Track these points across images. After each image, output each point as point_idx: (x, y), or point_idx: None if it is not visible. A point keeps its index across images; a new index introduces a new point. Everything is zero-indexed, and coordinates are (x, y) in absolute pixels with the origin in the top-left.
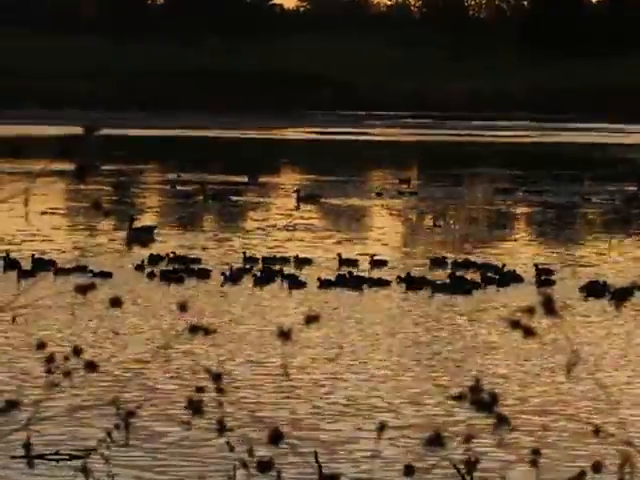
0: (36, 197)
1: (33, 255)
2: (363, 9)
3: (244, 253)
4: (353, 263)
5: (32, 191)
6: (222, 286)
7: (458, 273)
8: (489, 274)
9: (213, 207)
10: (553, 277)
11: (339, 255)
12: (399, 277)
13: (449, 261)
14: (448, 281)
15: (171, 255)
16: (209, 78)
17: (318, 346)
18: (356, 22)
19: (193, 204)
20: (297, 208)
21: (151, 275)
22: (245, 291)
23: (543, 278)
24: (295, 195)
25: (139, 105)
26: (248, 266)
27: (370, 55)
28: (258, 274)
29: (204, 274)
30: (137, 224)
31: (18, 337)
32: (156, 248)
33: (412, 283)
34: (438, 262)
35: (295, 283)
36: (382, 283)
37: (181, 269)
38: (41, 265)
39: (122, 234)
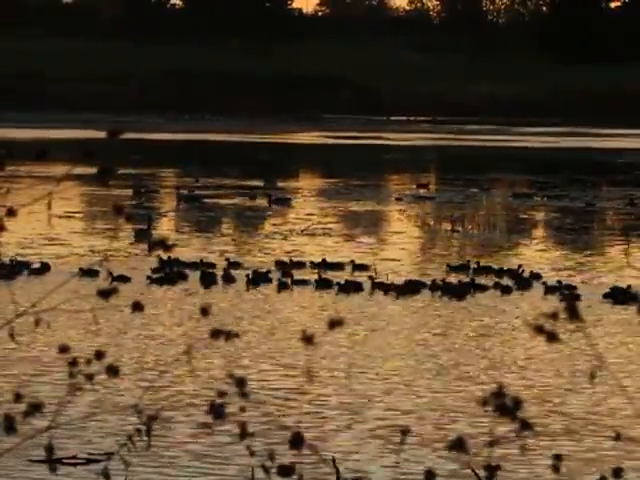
0: (59, 201)
1: (11, 259)
2: (381, 13)
3: (227, 259)
4: (339, 267)
5: (55, 195)
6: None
7: (476, 278)
8: (506, 279)
9: (228, 211)
10: (573, 282)
11: (323, 260)
12: (408, 281)
13: (471, 266)
14: (460, 286)
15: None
16: (228, 81)
17: (337, 350)
18: (374, 26)
19: (210, 208)
20: (269, 209)
21: (164, 279)
22: (257, 295)
23: (563, 284)
24: (267, 198)
25: (158, 108)
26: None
27: (388, 59)
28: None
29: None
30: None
31: (40, 340)
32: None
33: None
34: (456, 267)
35: (284, 287)
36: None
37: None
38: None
39: (142, 238)
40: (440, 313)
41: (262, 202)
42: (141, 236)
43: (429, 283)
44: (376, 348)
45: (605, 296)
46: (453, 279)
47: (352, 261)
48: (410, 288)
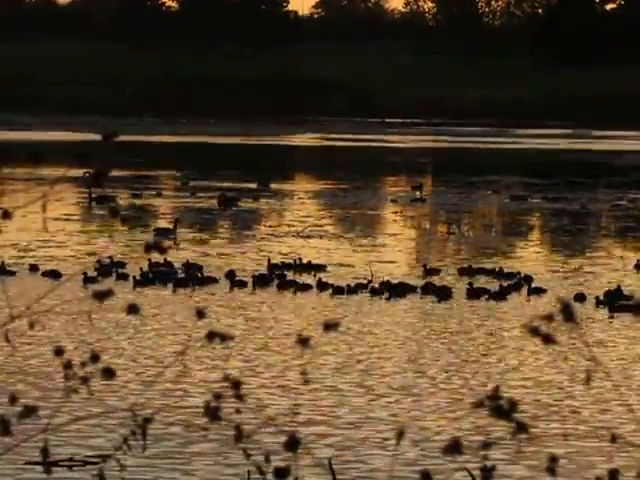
0: (53, 203)
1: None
2: (377, 16)
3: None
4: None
5: (49, 197)
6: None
7: (471, 281)
8: (498, 281)
9: (227, 214)
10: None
11: (269, 260)
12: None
13: (451, 268)
14: (450, 288)
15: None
16: (224, 84)
17: (333, 353)
18: (370, 29)
19: (207, 211)
20: (220, 209)
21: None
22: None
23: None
24: (217, 199)
25: (155, 111)
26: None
27: (385, 62)
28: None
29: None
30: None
31: (36, 343)
32: (171, 255)
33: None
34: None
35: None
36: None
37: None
38: None
39: (139, 241)
40: (430, 315)
41: (259, 204)
42: (161, 235)
43: (418, 285)
44: (368, 349)
45: (601, 299)
46: (446, 281)
47: (309, 261)
48: (400, 290)
